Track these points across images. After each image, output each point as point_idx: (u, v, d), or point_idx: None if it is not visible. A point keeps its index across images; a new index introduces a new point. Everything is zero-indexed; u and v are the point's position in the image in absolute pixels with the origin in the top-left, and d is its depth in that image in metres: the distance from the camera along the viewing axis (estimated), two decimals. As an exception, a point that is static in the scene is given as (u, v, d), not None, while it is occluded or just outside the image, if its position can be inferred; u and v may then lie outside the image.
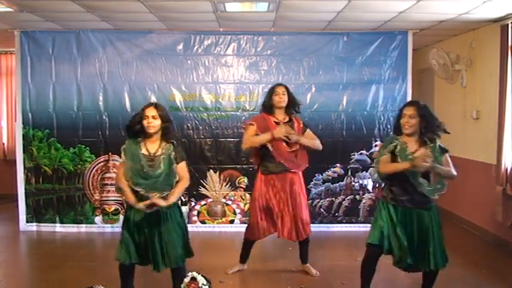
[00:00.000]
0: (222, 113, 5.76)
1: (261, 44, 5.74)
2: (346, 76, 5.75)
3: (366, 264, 3.52)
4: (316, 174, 5.81)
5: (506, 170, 4.92)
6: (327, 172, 5.82)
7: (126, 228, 3.41)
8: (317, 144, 4.17)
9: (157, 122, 3.36)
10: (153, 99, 5.68)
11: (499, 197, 4.98)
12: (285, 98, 4.11)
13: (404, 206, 3.38)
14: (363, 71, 5.76)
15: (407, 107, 3.40)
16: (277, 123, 4.07)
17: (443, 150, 3.45)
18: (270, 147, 4.03)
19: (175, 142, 3.45)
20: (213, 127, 5.76)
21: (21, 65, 5.65)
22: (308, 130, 4.24)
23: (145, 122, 3.34)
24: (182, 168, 3.46)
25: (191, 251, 3.58)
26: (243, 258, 4.39)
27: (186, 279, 3.55)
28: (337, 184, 5.84)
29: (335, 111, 5.77)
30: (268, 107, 4.14)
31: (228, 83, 5.76)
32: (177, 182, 3.42)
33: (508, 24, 4.86)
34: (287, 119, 4.16)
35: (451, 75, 6.00)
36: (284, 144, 4.03)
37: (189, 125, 5.75)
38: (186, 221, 5.75)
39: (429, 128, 3.36)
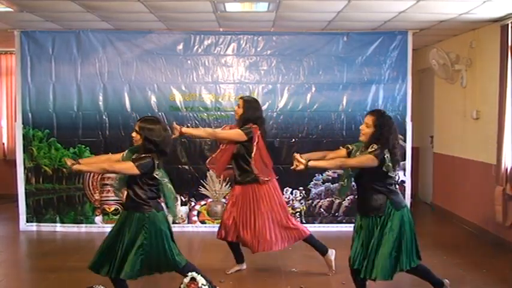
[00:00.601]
0: (222, 113, 5.76)
1: (261, 44, 5.74)
2: (346, 76, 5.75)
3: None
4: (316, 174, 5.81)
5: (506, 170, 4.92)
6: (327, 172, 5.82)
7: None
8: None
9: (137, 137, 3.31)
10: (153, 99, 5.69)
11: (499, 197, 4.97)
12: (239, 111, 4.13)
13: (361, 215, 3.40)
14: (362, 71, 5.76)
15: (367, 115, 3.32)
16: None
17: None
18: (249, 160, 4.09)
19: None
20: (213, 127, 5.74)
21: (21, 65, 5.65)
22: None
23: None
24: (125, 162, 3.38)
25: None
26: (237, 258, 4.39)
27: (186, 280, 3.54)
28: (337, 184, 5.83)
29: (335, 111, 5.78)
30: (261, 120, 4.19)
31: (228, 83, 5.76)
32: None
33: (508, 24, 4.85)
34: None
35: (451, 75, 6.00)
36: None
37: (189, 125, 5.74)
38: (186, 221, 5.82)
39: (381, 139, 3.20)
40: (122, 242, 3.38)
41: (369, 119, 3.28)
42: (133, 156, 3.32)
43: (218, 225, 5.75)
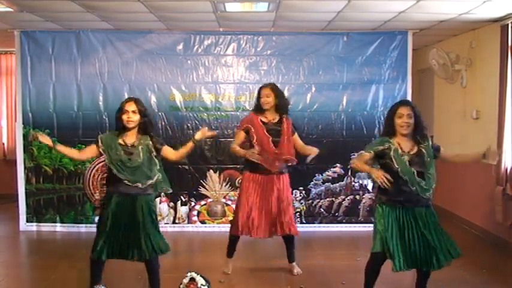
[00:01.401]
0: (222, 113, 5.76)
1: (261, 44, 5.74)
2: (346, 76, 5.76)
3: (370, 269, 3.48)
4: (316, 174, 5.81)
5: (506, 170, 4.92)
6: (327, 172, 5.82)
7: (102, 224, 3.45)
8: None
9: (137, 117, 3.44)
10: (153, 99, 5.69)
11: (499, 197, 4.98)
12: (270, 100, 4.13)
13: (402, 206, 3.31)
14: (362, 71, 5.77)
15: (404, 107, 3.30)
16: (264, 123, 4.14)
17: (437, 148, 3.40)
18: (255, 151, 4.10)
19: (152, 133, 3.53)
20: (213, 127, 5.74)
21: (21, 65, 5.65)
22: (296, 135, 4.28)
23: (124, 117, 3.43)
24: (168, 149, 3.56)
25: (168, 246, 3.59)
26: (230, 253, 4.39)
27: (185, 280, 3.55)
28: (337, 184, 5.84)
29: (335, 111, 5.78)
30: (257, 108, 4.21)
31: (228, 83, 5.76)
32: (158, 170, 3.50)
33: (508, 24, 4.86)
34: (277, 119, 4.18)
35: (451, 75, 6.00)
36: (271, 145, 4.08)
37: (189, 125, 5.75)
38: (186, 221, 5.83)
39: (421, 127, 3.32)
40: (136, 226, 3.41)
41: (407, 110, 3.27)
42: (148, 145, 3.44)
43: (218, 225, 5.82)
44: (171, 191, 3.78)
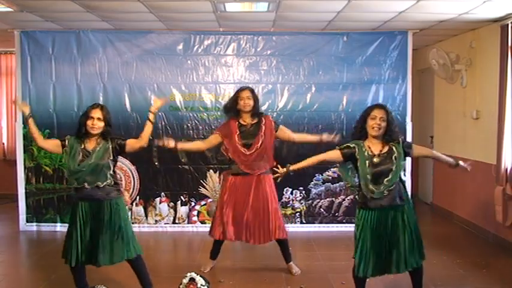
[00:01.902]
0: (222, 113, 5.75)
1: (261, 44, 5.74)
2: (346, 76, 5.76)
3: (356, 282, 3.51)
4: (316, 175, 5.81)
5: (506, 170, 4.92)
6: (327, 172, 5.82)
7: (73, 227, 3.45)
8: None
9: (101, 124, 3.47)
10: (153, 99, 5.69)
11: (499, 197, 4.97)
12: (250, 102, 4.13)
13: (372, 209, 3.34)
14: (362, 71, 5.77)
15: (378, 110, 3.32)
16: (242, 126, 4.15)
17: (408, 145, 3.43)
18: (227, 154, 4.19)
19: (111, 136, 3.56)
20: (213, 127, 5.74)
21: (21, 65, 5.65)
22: (281, 127, 4.30)
23: (89, 123, 3.45)
24: (131, 140, 3.58)
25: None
26: (213, 255, 4.41)
27: (185, 280, 3.55)
28: (337, 184, 5.84)
29: (335, 111, 5.78)
30: (234, 110, 4.18)
31: (228, 83, 5.76)
32: (111, 175, 3.51)
33: (508, 24, 4.85)
34: (255, 120, 4.18)
35: (451, 75, 6.00)
36: (240, 147, 4.09)
37: (189, 125, 5.75)
38: (186, 221, 5.82)
39: (391, 132, 3.32)
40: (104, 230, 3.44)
41: (381, 113, 3.30)
42: (107, 146, 3.48)
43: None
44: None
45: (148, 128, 3.59)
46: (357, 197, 3.46)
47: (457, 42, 6.04)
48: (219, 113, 5.75)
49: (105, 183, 3.43)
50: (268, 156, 4.17)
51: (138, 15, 5.05)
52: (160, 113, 5.70)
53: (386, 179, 3.26)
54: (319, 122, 5.76)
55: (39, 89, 5.69)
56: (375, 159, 3.28)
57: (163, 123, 5.72)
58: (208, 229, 5.76)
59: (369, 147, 3.32)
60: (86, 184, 3.40)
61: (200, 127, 5.76)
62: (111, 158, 3.48)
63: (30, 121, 3.55)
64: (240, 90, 4.20)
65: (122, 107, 5.68)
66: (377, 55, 5.74)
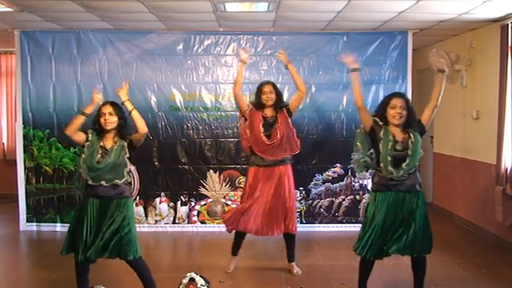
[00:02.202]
0: (222, 113, 5.77)
1: (261, 44, 5.74)
2: (346, 76, 5.74)
3: (363, 267, 3.54)
4: (316, 175, 5.81)
5: (506, 170, 4.92)
6: (327, 172, 5.82)
7: (79, 224, 3.43)
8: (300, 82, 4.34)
9: (114, 119, 3.49)
10: (153, 99, 5.70)
11: (499, 197, 4.97)
12: (273, 96, 4.22)
13: (392, 191, 3.38)
14: (362, 71, 5.67)
15: (397, 98, 3.39)
16: (265, 118, 4.22)
17: (420, 125, 3.48)
18: (247, 146, 4.28)
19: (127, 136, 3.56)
20: (213, 127, 5.76)
21: (21, 65, 5.65)
22: (290, 103, 4.37)
23: (102, 120, 3.47)
24: (135, 134, 3.57)
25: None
26: (233, 250, 4.40)
27: (185, 280, 3.55)
28: (337, 184, 5.84)
29: (335, 111, 5.78)
30: (257, 104, 4.26)
31: (228, 83, 5.76)
32: (128, 172, 3.53)
33: (508, 24, 4.85)
34: (275, 114, 4.26)
35: (451, 75, 6.00)
36: (263, 137, 4.16)
37: (189, 125, 5.75)
38: (186, 221, 5.83)
39: (414, 119, 3.42)
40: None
41: (401, 102, 3.36)
42: (124, 145, 3.48)
43: (218, 225, 5.82)
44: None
45: (135, 116, 3.57)
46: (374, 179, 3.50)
47: (457, 42, 6.04)
48: (219, 113, 5.75)
49: (122, 180, 3.46)
50: (290, 144, 4.24)
51: (138, 15, 5.05)
52: (160, 113, 5.71)
53: (404, 164, 3.32)
54: (319, 122, 5.77)
55: (39, 89, 5.69)
56: (397, 146, 3.35)
57: (163, 123, 5.72)
58: (208, 229, 5.82)
59: (392, 133, 3.39)
60: (103, 182, 3.42)
61: (200, 127, 5.76)
62: (127, 155, 3.50)
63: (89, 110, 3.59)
64: (261, 85, 4.29)
65: (121, 107, 5.66)
66: (377, 55, 5.74)
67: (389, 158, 3.33)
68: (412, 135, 3.37)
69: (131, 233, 3.46)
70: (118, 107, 3.55)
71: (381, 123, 3.41)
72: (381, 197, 3.40)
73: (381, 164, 3.36)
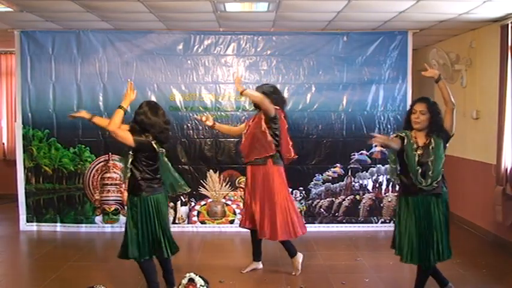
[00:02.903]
0: (222, 113, 5.76)
1: (261, 44, 5.74)
2: (346, 76, 5.75)
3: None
4: (316, 175, 5.81)
5: (506, 170, 4.92)
6: (327, 172, 5.82)
7: (132, 224, 3.46)
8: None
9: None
10: (153, 99, 5.67)
11: (499, 197, 4.97)
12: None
13: (413, 196, 3.44)
14: (362, 71, 5.77)
15: (419, 104, 3.47)
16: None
17: (443, 130, 3.48)
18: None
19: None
20: (213, 127, 5.75)
21: (21, 65, 5.65)
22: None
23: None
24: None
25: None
26: (254, 255, 4.41)
27: (184, 281, 3.55)
28: (337, 184, 5.84)
29: (335, 111, 5.77)
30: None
31: (228, 83, 5.76)
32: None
33: (508, 24, 4.85)
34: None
35: (451, 75, 6.00)
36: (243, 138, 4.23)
37: (189, 125, 5.75)
38: (186, 221, 5.83)
39: (437, 124, 3.44)
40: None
41: (421, 107, 3.42)
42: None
43: (218, 225, 5.82)
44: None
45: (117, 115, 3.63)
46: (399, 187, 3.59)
47: (457, 42, 6.04)
48: (219, 113, 5.75)
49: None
50: (262, 145, 4.08)
51: (138, 15, 5.05)
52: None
53: (430, 172, 3.36)
54: (319, 122, 5.76)
55: (39, 89, 5.69)
56: (419, 151, 3.39)
57: (163, 123, 5.72)
58: (208, 229, 5.83)
59: (415, 138, 3.44)
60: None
61: (200, 127, 5.76)
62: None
63: (96, 119, 3.84)
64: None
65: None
66: (377, 55, 5.75)
67: (418, 169, 3.37)
68: (433, 141, 3.39)
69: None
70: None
71: (402, 134, 3.46)
72: (407, 201, 3.48)
73: (411, 174, 3.39)
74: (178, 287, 3.56)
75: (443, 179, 3.52)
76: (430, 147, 3.37)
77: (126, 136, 3.47)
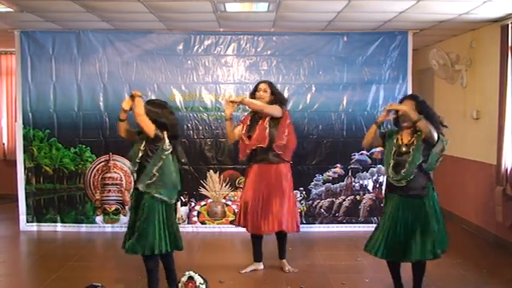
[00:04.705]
0: (222, 113, 5.73)
1: (261, 44, 5.74)
2: (346, 76, 5.75)
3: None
4: (317, 175, 5.81)
5: (506, 170, 4.92)
6: (327, 172, 5.82)
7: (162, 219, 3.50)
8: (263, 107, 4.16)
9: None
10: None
11: (499, 197, 4.97)
12: (266, 95, 4.21)
13: (396, 195, 3.46)
14: (363, 71, 5.77)
15: (406, 101, 3.51)
16: (253, 117, 4.26)
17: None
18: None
19: None
20: (213, 127, 5.76)
21: (21, 65, 5.65)
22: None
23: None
24: None
25: None
26: (255, 255, 4.41)
27: (184, 279, 3.56)
28: (338, 184, 5.83)
29: (335, 111, 5.77)
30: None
31: (228, 83, 5.76)
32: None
33: (508, 24, 4.85)
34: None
35: (451, 75, 6.00)
36: (244, 138, 4.22)
37: (189, 125, 5.75)
38: (186, 221, 5.82)
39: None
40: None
41: (407, 104, 3.44)
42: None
43: (218, 225, 5.82)
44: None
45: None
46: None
47: (457, 42, 6.04)
48: (219, 113, 5.75)
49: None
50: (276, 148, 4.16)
51: (138, 15, 5.05)
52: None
53: (403, 170, 3.37)
54: (319, 122, 5.76)
55: (39, 89, 5.69)
56: (403, 149, 3.42)
57: (163, 123, 5.72)
58: (208, 230, 5.82)
59: (401, 136, 3.47)
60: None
61: (200, 127, 5.76)
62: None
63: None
64: (258, 83, 4.33)
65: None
66: (377, 55, 5.75)
67: (390, 162, 3.42)
68: (415, 141, 3.41)
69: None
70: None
71: (383, 131, 3.60)
72: (388, 197, 3.53)
73: (384, 168, 3.49)
74: (178, 285, 3.57)
75: (431, 183, 3.48)
76: (411, 148, 3.39)
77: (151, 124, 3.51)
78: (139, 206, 3.46)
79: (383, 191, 3.65)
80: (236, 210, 5.80)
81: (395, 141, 3.47)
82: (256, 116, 4.26)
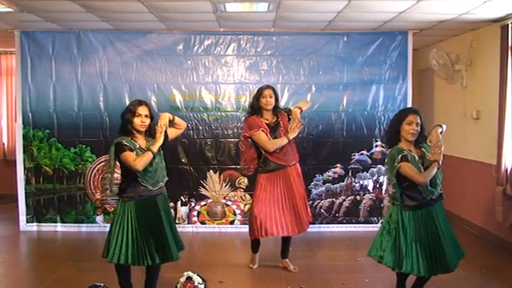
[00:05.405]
0: (222, 113, 5.76)
1: (261, 44, 5.74)
2: (346, 76, 5.76)
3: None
4: (317, 175, 5.81)
5: (506, 170, 4.92)
6: (327, 172, 5.82)
7: (122, 227, 3.38)
8: None
9: (148, 121, 3.48)
10: (153, 99, 5.69)
11: (499, 197, 4.97)
12: (272, 101, 4.24)
13: (421, 209, 3.38)
14: (363, 71, 5.77)
15: (414, 115, 3.39)
16: (268, 125, 4.23)
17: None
18: (262, 152, 4.22)
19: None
20: (213, 127, 5.76)
21: (21, 65, 5.65)
22: (294, 111, 4.29)
23: (137, 120, 3.41)
24: (171, 129, 3.67)
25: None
26: (254, 249, 4.50)
27: (182, 279, 3.56)
28: (338, 185, 5.83)
29: (335, 111, 5.77)
30: (256, 109, 4.26)
31: (228, 83, 5.76)
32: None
33: (508, 24, 4.85)
34: (275, 119, 4.29)
35: (451, 75, 6.00)
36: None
37: (189, 125, 5.73)
38: (186, 221, 5.82)
39: (423, 134, 3.48)
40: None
41: (417, 119, 3.39)
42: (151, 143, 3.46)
43: (218, 225, 5.82)
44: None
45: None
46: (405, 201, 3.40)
47: (457, 42, 6.04)
48: (219, 113, 5.75)
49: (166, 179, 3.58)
50: (292, 149, 4.31)
51: (138, 15, 5.05)
52: (160, 113, 5.69)
53: (438, 180, 3.36)
54: (320, 122, 5.76)
55: (39, 89, 5.69)
56: (421, 163, 3.37)
57: (163, 123, 5.72)
58: (208, 230, 5.82)
59: (410, 151, 3.38)
60: (161, 183, 3.50)
61: (200, 127, 5.76)
62: (163, 152, 3.58)
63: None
64: (262, 89, 4.29)
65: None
66: (377, 55, 5.75)
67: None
68: (424, 150, 3.41)
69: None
70: (151, 109, 3.53)
71: (404, 153, 3.33)
72: (412, 215, 3.37)
73: (422, 187, 3.30)
74: (177, 285, 3.57)
75: None
76: (426, 157, 3.37)
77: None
78: (157, 209, 3.43)
79: (399, 208, 3.40)
80: (236, 211, 5.82)
81: (415, 158, 3.36)
82: (269, 122, 4.28)
